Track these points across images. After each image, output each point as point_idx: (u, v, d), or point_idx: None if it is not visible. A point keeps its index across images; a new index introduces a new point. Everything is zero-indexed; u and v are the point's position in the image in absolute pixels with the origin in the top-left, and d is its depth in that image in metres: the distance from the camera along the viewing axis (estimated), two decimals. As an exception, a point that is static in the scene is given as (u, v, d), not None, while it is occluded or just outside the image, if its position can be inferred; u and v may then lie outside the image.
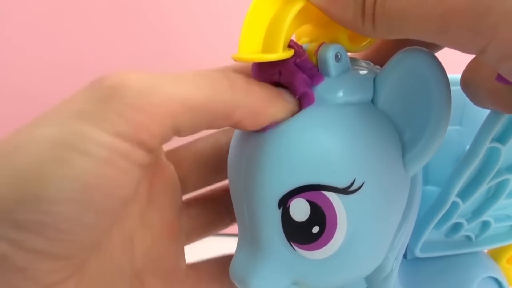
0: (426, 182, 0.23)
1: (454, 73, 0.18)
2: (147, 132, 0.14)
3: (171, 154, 0.22)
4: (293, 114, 0.17)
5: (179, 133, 0.15)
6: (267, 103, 0.16)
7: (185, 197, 0.23)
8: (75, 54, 0.51)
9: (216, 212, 0.24)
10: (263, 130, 0.17)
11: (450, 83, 0.17)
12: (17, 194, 0.13)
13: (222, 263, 0.23)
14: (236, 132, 0.19)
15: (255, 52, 0.16)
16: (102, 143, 0.13)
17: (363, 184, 0.16)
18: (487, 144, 0.19)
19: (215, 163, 0.23)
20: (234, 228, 0.22)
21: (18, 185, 0.13)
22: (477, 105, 0.18)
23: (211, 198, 0.24)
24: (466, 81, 0.17)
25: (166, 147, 0.22)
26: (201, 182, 0.23)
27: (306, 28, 0.19)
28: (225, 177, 0.24)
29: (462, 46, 0.13)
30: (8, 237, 0.13)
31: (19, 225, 0.13)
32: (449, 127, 0.22)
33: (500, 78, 0.14)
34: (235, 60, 0.16)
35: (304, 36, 0.19)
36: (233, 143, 0.19)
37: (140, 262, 0.20)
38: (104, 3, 0.51)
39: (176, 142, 0.21)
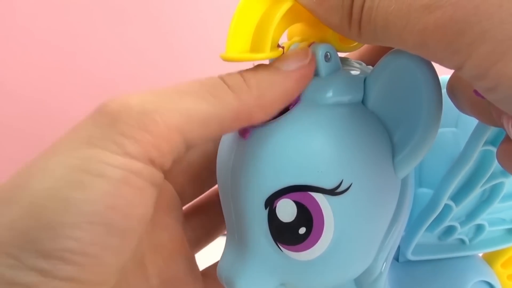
0: (420, 184, 0.23)
1: (448, 75, 0.18)
2: (156, 149, 0.14)
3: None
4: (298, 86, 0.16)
5: (191, 145, 0.15)
6: (269, 92, 0.16)
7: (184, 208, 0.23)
8: (77, 55, 0.52)
9: (217, 217, 0.24)
10: (249, 130, 0.17)
11: (444, 85, 0.17)
12: (38, 223, 0.13)
13: None
14: None
15: (243, 51, 0.16)
16: (115, 164, 0.13)
17: (351, 185, 0.16)
18: (479, 147, 0.19)
19: (207, 172, 0.23)
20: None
21: (38, 214, 0.13)
22: (461, 112, 0.17)
23: (209, 204, 0.24)
24: (451, 88, 0.17)
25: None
26: (197, 192, 0.23)
27: (298, 27, 0.19)
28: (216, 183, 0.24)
29: (440, 62, 0.13)
30: (37, 267, 0.13)
31: (46, 254, 0.13)
32: (445, 129, 0.22)
33: (477, 92, 0.14)
34: (222, 59, 0.16)
35: (295, 35, 0.19)
36: (221, 143, 0.19)
37: (156, 283, 0.20)
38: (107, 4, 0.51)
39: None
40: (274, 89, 0.16)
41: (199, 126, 0.15)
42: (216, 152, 0.21)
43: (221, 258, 0.19)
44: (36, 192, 0.13)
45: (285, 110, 0.17)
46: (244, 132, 0.17)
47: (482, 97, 0.13)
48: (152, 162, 0.14)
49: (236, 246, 0.18)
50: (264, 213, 0.17)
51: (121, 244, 0.14)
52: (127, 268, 0.19)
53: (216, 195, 0.24)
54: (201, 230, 0.24)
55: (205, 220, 0.24)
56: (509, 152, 0.15)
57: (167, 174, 0.22)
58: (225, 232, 0.24)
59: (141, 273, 0.19)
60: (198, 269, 0.22)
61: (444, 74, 0.18)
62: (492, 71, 0.12)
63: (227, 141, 0.18)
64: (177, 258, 0.21)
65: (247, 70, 0.17)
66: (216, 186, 0.24)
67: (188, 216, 0.24)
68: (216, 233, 0.24)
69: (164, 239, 0.21)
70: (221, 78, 0.16)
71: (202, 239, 0.24)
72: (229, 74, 0.16)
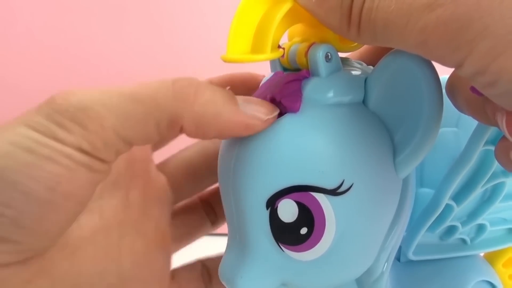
0: (421, 184, 0.23)
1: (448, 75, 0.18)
2: (88, 143, 0.15)
3: (162, 166, 0.23)
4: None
5: (133, 143, 0.16)
6: (212, 118, 0.16)
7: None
8: (76, 55, 0.52)
9: (198, 218, 0.24)
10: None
11: (444, 85, 0.17)
12: None
13: (201, 267, 0.24)
14: None
15: (244, 52, 0.16)
16: (43, 143, 0.15)
17: (352, 185, 0.16)
18: (480, 147, 0.19)
19: (205, 169, 0.23)
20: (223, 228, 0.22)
21: None
22: (458, 110, 0.18)
23: (191, 206, 0.25)
24: (450, 86, 0.17)
25: (158, 158, 0.22)
26: (195, 189, 0.24)
27: (298, 27, 0.19)
28: (214, 182, 0.24)
29: (441, 60, 0.13)
30: None
31: None
32: (446, 129, 0.22)
33: (473, 89, 0.14)
34: (223, 61, 0.16)
35: (296, 36, 0.19)
36: (222, 143, 0.19)
37: (129, 268, 0.20)
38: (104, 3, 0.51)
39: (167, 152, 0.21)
40: (218, 119, 0.16)
41: (135, 126, 0.16)
42: (215, 151, 0.21)
43: (222, 259, 0.19)
44: None
45: (285, 110, 0.17)
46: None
47: (479, 93, 0.14)
48: (84, 152, 0.15)
49: (238, 246, 0.18)
50: (266, 213, 0.17)
51: (39, 213, 0.15)
52: (97, 245, 0.19)
53: (202, 196, 0.25)
54: (183, 229, 0.24)
55: (187, 220, 0.24)
56: (505, 149, 0.15)
57: (162, 167, 0.22)
58: (209, 233, 0.25)
59: (114, 255, 0.20)
60: (170, 265, 0.23)
61: (445, 74, 0.18)
62: (493, 66, 0.12)
63: (228, 141, 0.18)
64: (157, 250, 0.21)
65: (209, 84, 0.17)
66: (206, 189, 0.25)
67: (172, 214, 0.24)
68: (196, 234, 0.25)
69: (148, 228, 0.21)
70: (173, 82, 0.16)
71: (183, 238, 0.24)
72: (186, 80, 0.16)
